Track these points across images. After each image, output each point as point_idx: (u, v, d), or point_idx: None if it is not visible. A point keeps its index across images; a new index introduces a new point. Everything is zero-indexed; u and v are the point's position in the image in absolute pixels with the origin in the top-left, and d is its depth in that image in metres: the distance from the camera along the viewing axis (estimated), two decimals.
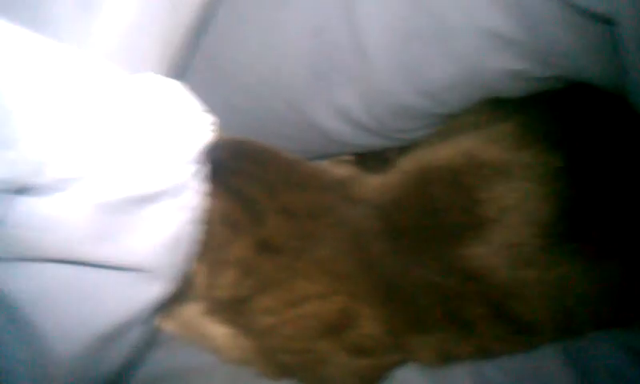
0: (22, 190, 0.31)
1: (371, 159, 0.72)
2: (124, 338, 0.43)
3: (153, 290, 0.42)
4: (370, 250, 0.53)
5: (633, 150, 0.55)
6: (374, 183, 0.59)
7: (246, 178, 0.56)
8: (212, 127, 0.41)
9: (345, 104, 0.63)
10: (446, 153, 0.58)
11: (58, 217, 0.33)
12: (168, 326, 0.58)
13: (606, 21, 0.47)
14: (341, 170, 0.63)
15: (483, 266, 0.51)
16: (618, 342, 0.52)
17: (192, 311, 0.57)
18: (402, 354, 0.53)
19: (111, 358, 0.43)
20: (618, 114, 0.54)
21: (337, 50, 0.59)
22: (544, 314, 0.51)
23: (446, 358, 0.53)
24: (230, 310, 0.54)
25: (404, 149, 0.67)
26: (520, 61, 0.54)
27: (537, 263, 0.51)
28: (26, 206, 0.32)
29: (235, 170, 0.56)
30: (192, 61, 0.65)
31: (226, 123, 0.66)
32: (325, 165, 0.62)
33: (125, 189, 0.35)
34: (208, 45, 0.64)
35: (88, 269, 0.37)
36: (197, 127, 0.39)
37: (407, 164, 0.60)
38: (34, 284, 0.35)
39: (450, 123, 0.64)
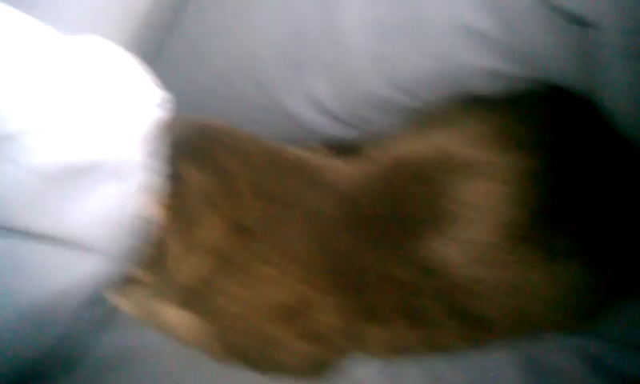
0: None
1: (343, 148, 0.71)
2: (63, 313, 0.42)
3: (92, 266, 0.41)
4: (332, 237, 0.53)
5: (606, 158, 0.55)
6: (343, 170, 0.58)
7: (224, 150, 0.55)
8: (163, 103, 0.39)
9: (318, 94, 0.62)
10: (416, 146, 0.57)
11: None
12: (124, 305, 0.57)
13: (588, 24, 0.47)
14: (312, 155, 0.62)
15: (441, 262, 0.51)
16: (574, 347, 0.52)
17: (149, 292, 0.56)
18: (354, 343, 0.53)
19: (52, 333, 0.42)
20: (593, 121, 0.54)
21: (312, 38, 0.59)
22: (499, 313, 0.51)
23: (397, 351, 0.53)
24: (190, 292, 0.54)
25: (378, 140, 0.66)
26: (496, 59, 0.54)
27: (496, 263, 0.51)
28: None
29: (211, 143, 0.56)
30: (169, 41, 0.65)
31: (199, 105, 0.66)
32: (297, 150, 0.61)
33: (62, 156, 0.35)
34: (185, 26, 0.64)
35: (23, 238, 0.36)
36: (144, 100, 0.38)
37: (377, 154, 0.59)
38: None
39: (425, 118, 0.63)
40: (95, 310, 0.52)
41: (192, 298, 0.54)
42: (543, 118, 0.56)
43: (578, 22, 0.47)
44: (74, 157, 0.35)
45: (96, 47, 0.37)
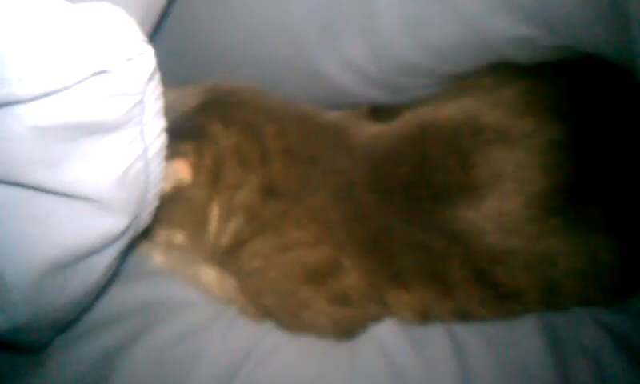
0: None
1: (383, 113, 0.71)
2: (81, 268, 0.43)
3: (106, 222, 0.42)
4: (360, 201, 0.53)
5: (637, 129, 0.53)
6: (373, 133, 0.58)
7: (253, 110, 0.56)
8: (153, 59, 0.40)
9: (353, 56, 0.62)
10: (446, 111, 0.56)
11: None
12: (158, 259, 0.59)
13: None
14: (342, 117, 0.62)
15: (470, 230, 0.51)
16: (599, 321, 0.51)
17: (186, 252, 0.58)
18: (382, 307, 0.54)
19: (71, 287, 0.44)
20: (627, 91, 0.52)
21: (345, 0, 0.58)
22: (527, 284, 0.51)
23: (424, 317, 0.53)
24: (226, 253, 0.55)
25: (412, 104, 0.65)
26: (525, 26, 0.52)
27: (525, 233, 0.50)
28: None
29: (242, 103, 0.57)
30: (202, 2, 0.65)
31: (233, 68, 0.67)
32: (327, 112, 0.62)
33: (61, 114, 0.35)
34: None
35: (37, 193, 0.37)
36: (137, 58, 0.38)
37: (407, 118, 0.59)
38: None
39: (458, 83, 0.62)
40: (121, 264, 0.54)
41: (228, 259, 0.56)
42: (576, 87, 0.55)
43: None
44: (72, 114, 0.36)
45: (95, 10, 0.37)
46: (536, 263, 0.50)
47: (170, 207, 0.53)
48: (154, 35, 0.65)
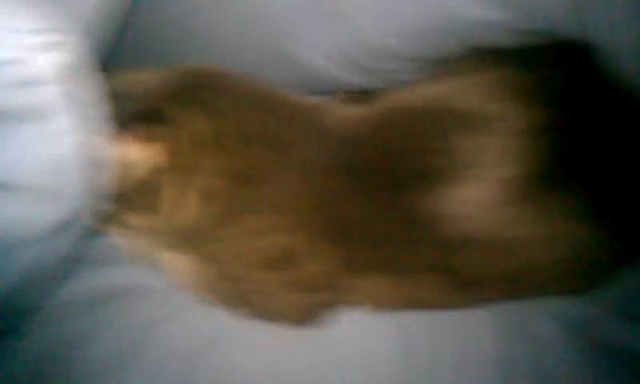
0: None
1: (362, 97, 0.71)
2: (20, 255, 0.43)
3: (42, 210, 0.42)
4: (322, 186, 0.53)
5: (615, 115, 0.52)
6: (340, 116, 0.57)
7: (231, 95, 0.56)
8: (69, 46, 0.40)
9: (326, 40, 0.62)
10: (415, 95, 0.56)
11: None
12: (132, 244, 0.59)
13: None
14: (310, 101, 0.62)
15: (430, 217, 0.50)
16: (558, 312, 0.50)
17: (146, 235, 0.57)
18: (341, 294, 0.53)
19: (9, 274, 0.44)
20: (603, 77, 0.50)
21: None
22: (486, 274, 0.50)
23: (383, 304, 0.53)
24: (185, 237, 0.55)
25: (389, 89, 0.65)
26: (497, 10, 0.52)
27: (486, 221, 0.49)
28: None
29: (217, 88, 0.56)
30: None
31: (210, 55, 0.67)
32: (295, 95, 0.62)
33: None
34: None
35: None
36: (50, 48, 0.38)
37: (378, 102, 0.58)
38: None
39: (438, 69, 0.61)
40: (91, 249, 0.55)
41: (187, 242, 0.55)
42: (551, 72, 0.54)
43: None
44: None
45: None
46: (497, 252, 0.49)
47: (144, 191, 0.53)
48: (129, 17, 0.65)
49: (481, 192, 0.49)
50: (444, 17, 0.54)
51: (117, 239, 0.58)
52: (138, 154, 0.51)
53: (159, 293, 0.57)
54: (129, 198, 0.53)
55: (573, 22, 0.49)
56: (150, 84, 0.58)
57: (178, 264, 0.57)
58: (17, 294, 0.46)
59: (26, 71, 0.37)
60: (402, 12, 0.56)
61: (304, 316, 0.54)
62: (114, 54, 0.64)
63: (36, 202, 0.41)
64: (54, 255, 0.46)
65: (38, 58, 0.37)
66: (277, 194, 0.53)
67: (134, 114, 0.55)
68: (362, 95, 0.69)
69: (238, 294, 0.55)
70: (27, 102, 0.38)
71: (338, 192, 0.52)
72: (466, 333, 0.50)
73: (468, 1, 0.52)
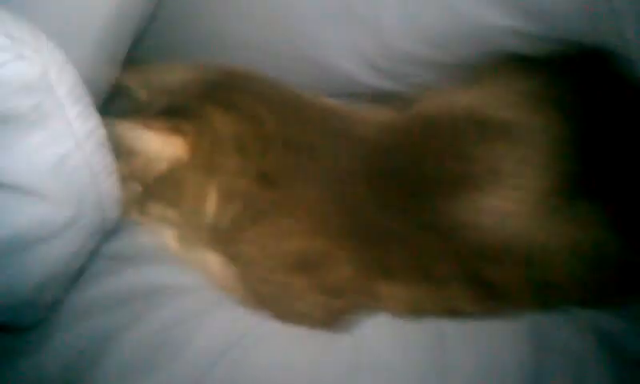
0: None
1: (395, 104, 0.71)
2: (26, 255, 0.44)
3: (41, 210, 0.43)
4: (355, 192, 0.53)
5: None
6: (373, 122, 0.58)
7: (255, 97, 0.56)
8: (57, 54, 0.40)
9: (354, 43, 0.63)
10: (444, 102, 0.56)
11: None
12: (149, 240, 0.59)
13: None
14: (340, 106, 0.62)
15: (464, 226, 0.50)
16: (591, 323, 0.50)
17: (179, 231, 0.58)
18: (373, 300, 0.53)
19: (20, 274, 0.45)
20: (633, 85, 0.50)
21: None
22: (520, 284, 0.50)
23: (415, 311, 0.52)
24: (217, 234, 0.55)
25: (420, 95, 0.64)
26: (515, 18, 0.53)
27: (522, 231, 0.49)
28: None
29: (243, 88, 0.56)
30: None
31: (236, 57, 0.67)
32: (326, 99, 0.62)
33: None
34: None
35: None
36: (30, 56, 0.39)
37: (410, 109, 0.59)
38: None
39: (468, 76, 0.61)
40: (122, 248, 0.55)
41: (218, 240, 0.56)
42: (577, 82, 0.54)
43: None
44: None
45: None
46: (531, 263, 0.49)
47: (165, 184, 0.54)
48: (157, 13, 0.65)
49: (519, 202, 0.49)
50: (465, 24, 0.56)
51: (143, 236, 0.59)
52: (160, 145, 0.52)
53: (186, 291, 0.56)
54: (153, 190, 0.54)
55: (590, 30, 0.50)
56: (175, 80, 0.58)
57: (204, 262, 0.57)
58: (35, 291, 0.47)
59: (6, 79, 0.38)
60: (424, 18, 0.57)
61: (329, 319, 0.54)
62: (138, 50, 0.64)
63: (40, 203, 0.42)
64: (67, 252, 0.47)
65: (17, 67, 0.38)
66: (301, 198, 0.53)
67: (158, 109, 0.55)
68: (387, 99, 0.70)
69: (270, 295, 0.55)
70: (12, 109, 0.39)
71: (364, 197, 0.53)
72: (499, 343, 0.49)
73: (489, 8, 0.54)
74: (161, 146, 0.52)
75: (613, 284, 0.51)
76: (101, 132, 0.46)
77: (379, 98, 0.68)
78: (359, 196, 0.53)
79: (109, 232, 0.53)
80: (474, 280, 0.50)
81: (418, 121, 0.56)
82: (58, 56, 0.41)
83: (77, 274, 0.52)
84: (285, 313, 0.55)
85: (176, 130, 0.52)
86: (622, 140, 0.51)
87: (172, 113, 0.53)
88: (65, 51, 0.42)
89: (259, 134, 0.54)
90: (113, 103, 0.60)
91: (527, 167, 0.50)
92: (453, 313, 0.52)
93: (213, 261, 0.57)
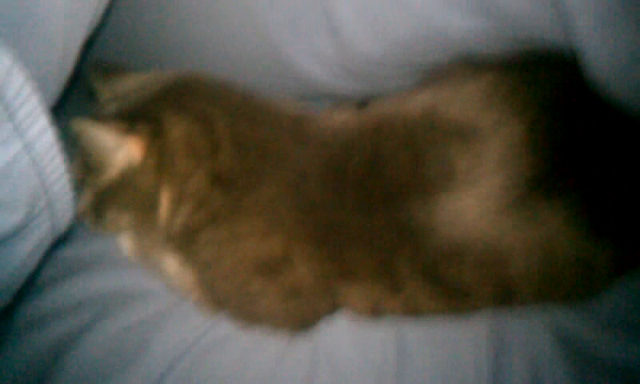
0: None
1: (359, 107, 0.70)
2: None
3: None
4: (313, 193, 0.52)
5: (603, 124, 0.51)
6: (328, 124, 0.57)
7: (207, 99, 0.55)
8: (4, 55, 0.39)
9: (317, 48, 0.62)
10: (404, 104, 0.55)
11: None
12: (125, 248, 0.59)
13: None
14: (298, 108, 0.61)
15: (420, 226, 0.49)
16: (548, 322, 0.50)
17: (145, 239, 0.58)
18: (332, 300, 0.53)
19: None
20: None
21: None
22: (478, 282, 0.49)
23: (375, 311, 0.52)
24: (180, 242, 0.55)
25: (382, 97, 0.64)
26: (480, 19, 0.52)
27: (476, 230, 0.48)
28: None
29: (198, 92, 0.56)
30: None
31: (205, 64, 0.66)
32: (283, 101, 0.61)
33: None
34: None
35: None
36: None
37: (369, 110, 0.58)
38: None
39: (428, 76, 0.61)
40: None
41: (174, 242, 0.55)
42: (543, 80, 0.53)
43: None
44: None
45: None
46: (487, 261, 0.49)
47: (118, 188, 0.53)
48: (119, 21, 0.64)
49: (475, 201, 0.48)
50: (430, 26, 0.55)
51: (99, 241, 0.58)
52: (114, 144, 0.51)
53: (143, 296, 0.56)
54: (107, 194, 0.53)
55: (556, 30, 0.49)
56: (133, 83, 0.58)
57: (160, 265, 0.57)
58: None
59: None
60: (383, 19, 0.56)
61: (288, 319, 0.54)
62: (109, 54, 0.64)
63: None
64: (16, 258, 0.46)
65: None
66: (257, 198, 0.52)
67: (115, 110, 0.55)
68: (360, 103, 0.69)
69: (234, 299, 0.54)
70: None
71: (328, 199, 0.52)
72: (460, 343, 0.49)
73: (453, 10, 0.53)
74: (115, 145, 0.51)
75: (569, 281, 0.51)
76: (52, 131, 0.45)
77: (351, 100, 0.68)
78: (317, 196, 0.52)
79: (62, 237, 0.51)
80: (432, 279, 0.50)
81: (372, 122, 0.55)
82: (4, 57, 0.40)
83: (27, 281, 0.51)
84: (244, 314, 0.55)
85: (131, 131, 0.51)
86: (575, 134, 0.50)
87: (128, 115, 0.52)
88: (14, 50, 0.40)
89: (209, 135, 0.53)
90: (79, 105, 0.60)
91: (481, 166, 0.49)
92: (413, 313, 0.52)
93: (170, 263, 0.57)
